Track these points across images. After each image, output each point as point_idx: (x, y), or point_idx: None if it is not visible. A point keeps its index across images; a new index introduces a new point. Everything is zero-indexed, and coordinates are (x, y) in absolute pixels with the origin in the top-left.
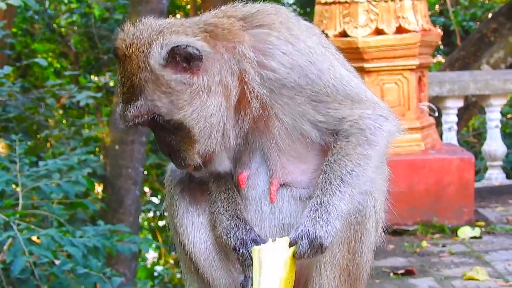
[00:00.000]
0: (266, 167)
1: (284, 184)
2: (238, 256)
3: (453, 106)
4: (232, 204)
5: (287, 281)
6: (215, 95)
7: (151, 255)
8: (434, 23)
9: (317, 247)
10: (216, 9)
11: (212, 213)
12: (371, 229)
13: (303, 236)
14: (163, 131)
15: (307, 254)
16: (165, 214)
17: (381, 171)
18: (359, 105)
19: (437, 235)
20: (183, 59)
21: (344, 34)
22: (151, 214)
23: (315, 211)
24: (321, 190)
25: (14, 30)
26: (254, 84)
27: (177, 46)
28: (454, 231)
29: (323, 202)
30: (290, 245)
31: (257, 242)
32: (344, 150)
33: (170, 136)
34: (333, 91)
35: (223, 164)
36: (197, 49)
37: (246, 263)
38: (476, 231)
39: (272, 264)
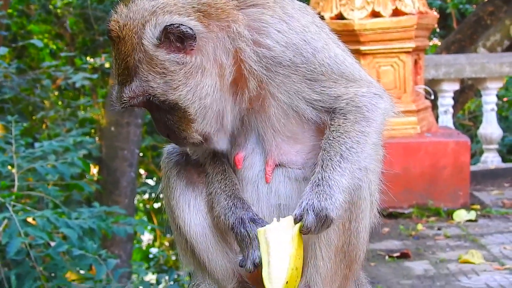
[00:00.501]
0: (261, 148)
1: (279, 165)
2: (236, 235)
3: (449, 89)
4: (229, 184)
5: (296, 258)
6: (210, 75)
7: (146, 237)
8: (430, 6)
9: (323, 219)
10: None
11: (209, 194)
12: (366, 210)
13: (309, 209)
14: (160, 112)
15: (314, 227)
16: (161, 196)
17: (375, 152)
18: (354, 83)
19: (432, 218)
20: (177, 39)
21: (340, 16)
22: (146, 196)
23: (317, 186)
24: (322, 166)
25: (10, 11)
26: (250, 62)
27: (170, 25)
28: (449, 214)
29: (324, 177)
30: (295, 222)
31: (255, 221)
32: (343, 127)
33: (167, 117)
34: (327, 69)
35: (221, 142)
36: (190, 28)
37: (244, 242)
38: (472, 214)
39: (279, 242)
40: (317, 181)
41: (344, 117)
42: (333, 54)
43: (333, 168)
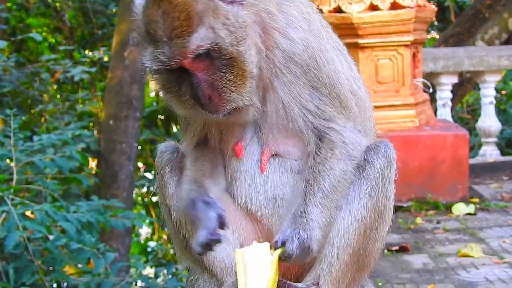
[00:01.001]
0: (258, 138)
1: (275, 155)
2: (188, 218)
3: (447, 82)
4: (195, 171)
5: (274, 282)
6: (254, 43)
7: (144, 230)
8: None
9: (306, 250)
10: None
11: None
12: (388, 221)
13: (294, 237)
14: (211, 69)
15: (295, 255)
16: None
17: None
18: (344, 112)
19: (431, 212)
20: None
21: (338, 9)
22: (144, 190)
23: (301, 217)
24: (305, 201)
25: (9, 4)
26: (272, 48)
27: None
28: (448, 208)
29: (307, 211)
30: (275, 248)
31: (208, 203)
32: (328, 163)
33: (218, 74)
34: (331, 83)
35: (251, 112)
36: None
37: (195, 224)
38: (471, 208)
39: (258, 265)
40: (300, 213)
41: (332, 151)
42: (337, 70)
43: (315, 205)
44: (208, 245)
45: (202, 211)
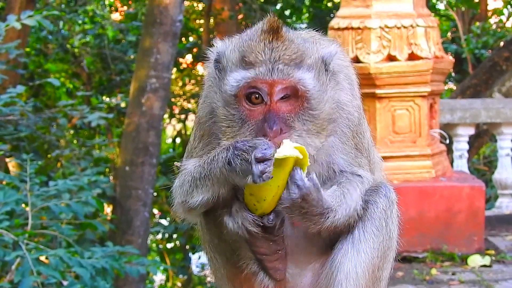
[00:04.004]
0: None
1: None
2: (232, 161)
3: (464, 134)
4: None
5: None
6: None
7: (159, 277)
8: (446, 50)
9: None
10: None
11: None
12: (391, 261)
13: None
14: (292, 107)
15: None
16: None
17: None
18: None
19: (446, 263)
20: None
21: (356, 60)
22: (159, 236)
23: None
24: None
25: (27, 49)
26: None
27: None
28: (464, 259)
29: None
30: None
31: (244, 141)
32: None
33: (296, 115)
34: (367, 148)
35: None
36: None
37: (244, 168)
38: (486, 260)
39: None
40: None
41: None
42: (369, 135)
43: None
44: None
45: (243, 143)
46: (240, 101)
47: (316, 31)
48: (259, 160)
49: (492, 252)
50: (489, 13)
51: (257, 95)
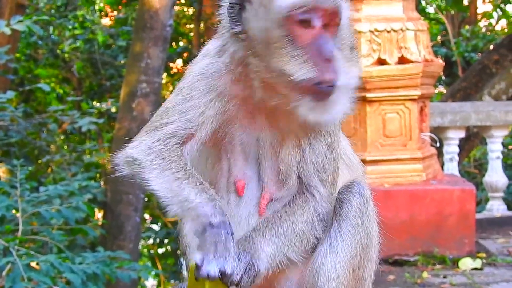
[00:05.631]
0: (257, 179)
1: (272, 199)
2: (210, 233)
3: (454, 137)
4: (196, 174)
5: None
6: None
7: (150, 282)
8: (436, 53)
9: (251, 269)
10: None
11: (177, 179)
12: (373, 258)
13: (236, 257)
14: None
15: (238, 275)
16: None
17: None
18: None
19: (438, 266)
20: None
21: None
22: (151, 241)
23: (245, 241)
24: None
25: (17, 55)
26: None
27: None
28: (455, 262)
29: (253, 237)
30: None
31: (232, 234)
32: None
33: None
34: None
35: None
36: None
37: (213, 245)
38: (477, 263)
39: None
40: (244, 238)
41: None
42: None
43: (263, 235)
44: (228, 276)
45: (229, 241)
46: (292, 24)
47: None
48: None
49: (483, 255)
50: (479, 16)
51: (309, 19)
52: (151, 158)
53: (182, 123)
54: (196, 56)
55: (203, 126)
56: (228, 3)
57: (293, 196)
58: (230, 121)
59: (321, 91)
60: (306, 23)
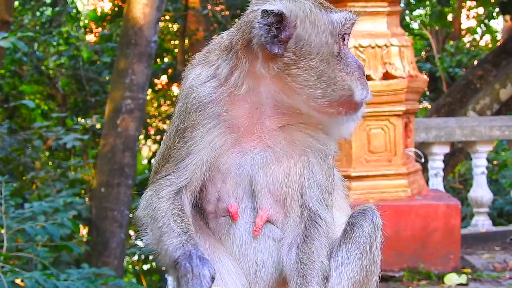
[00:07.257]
0: (252, 202)
1: (267, 221)
2: (178, 270)
3: (439, 152)
4: (185, 222)
5: None
6: None
7: None
8: (420, 69)
9: None
10: None
11: (158, 228)
12: (374, 286)
13: None
14: None
15: None
16: None
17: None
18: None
19: (423, 282)
20: None
21: None
22: (136, 258)
23: None
24: (305, 281)
25: (2, 71)
26: None
27: None
28: (440, 278)
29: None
30: None
31: (202, 260)
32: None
33: None
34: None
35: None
36: None
37: (185, 278)
38: (463, 278)
39: None
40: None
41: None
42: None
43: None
44: None
45: (197, 266)
46: (339, 39)
47: None
48: None
49: (469, 270)
50: (463, 32)
51: (349, 33)
52: (145, 214)
53: (179, 173)
54: (181, 72)
55: (201, 169)
56: (263, 25)
57: (305, 227)
58: (227, 146)
59: (360, 107)
60: (343, 38)
